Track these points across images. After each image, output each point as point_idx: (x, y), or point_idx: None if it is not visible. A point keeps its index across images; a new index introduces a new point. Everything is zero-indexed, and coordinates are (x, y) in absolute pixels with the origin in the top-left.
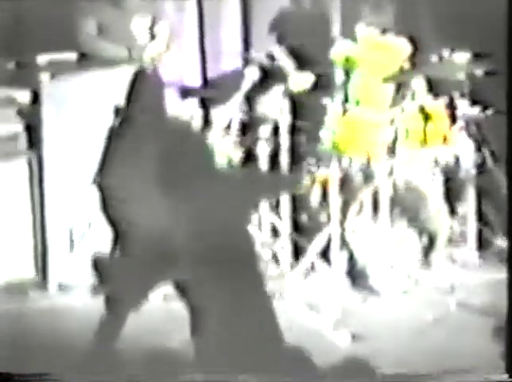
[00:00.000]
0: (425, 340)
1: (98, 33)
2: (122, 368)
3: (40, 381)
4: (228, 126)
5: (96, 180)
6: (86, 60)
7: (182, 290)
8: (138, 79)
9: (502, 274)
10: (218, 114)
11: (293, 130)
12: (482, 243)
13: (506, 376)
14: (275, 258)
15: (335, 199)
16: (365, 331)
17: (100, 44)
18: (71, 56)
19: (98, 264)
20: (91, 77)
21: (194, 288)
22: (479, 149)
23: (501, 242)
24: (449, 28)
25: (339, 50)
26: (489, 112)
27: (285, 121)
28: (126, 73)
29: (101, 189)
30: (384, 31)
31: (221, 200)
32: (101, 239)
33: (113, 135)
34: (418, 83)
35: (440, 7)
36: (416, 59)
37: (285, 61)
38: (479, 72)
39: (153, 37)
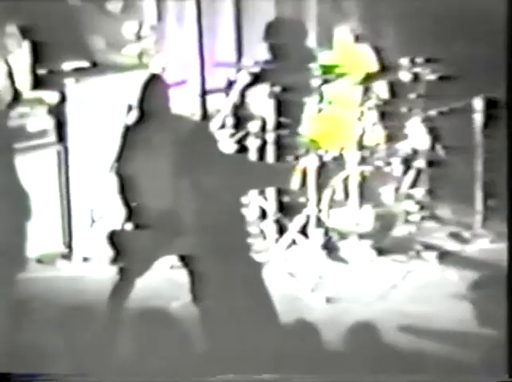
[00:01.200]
0: (386, 302)
1: (111, 45)
2: (129, 325)
3: (40, 381)
4: (223, 123)
5: (114, 167)
6: (102, 67)
7: (186, 261)
8: (149, 82)
9: (456, 247)
10: (214, 112)
11: (278, 125)
12: (436, 221)
13: (505, 376)
14: (262, 234)
15: (313, 184)
16: (337, 294)
17: (111, 54)
18: (91, 64)
19: (114, 239)
20: (108, 81)
21: (196, 259)
22: (433, 142)
23: (450, 220)
24: (408, 40)
25: (320, 59)
26: (443, 111)
27: (270, 118)
28: (136, 77)
29: (118, 175)
30: (356, 39)
31: (219, 185)
32: (117, 218)
33: (128, 130)
34: (382, 86)
35: (400, 23)
36: (380, 66)
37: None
38: (432, 76)
39: (139, 38)
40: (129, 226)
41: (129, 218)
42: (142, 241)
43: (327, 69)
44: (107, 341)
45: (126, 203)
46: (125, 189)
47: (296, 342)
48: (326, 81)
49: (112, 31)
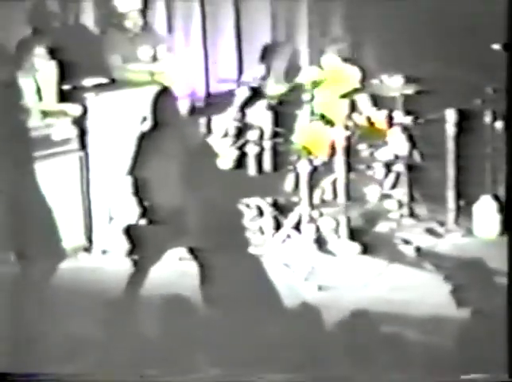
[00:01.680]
0: (369, 291)
1: (126, 63)
2: (143, 310)
3: (39, 381)
4: (226, 133)
5: (130, 171)
6: (119, 82)
7: (193, 253)
8: (159, 96)
9: (431, 241)
10: (217, 123)
11: (275, 134)
12: (414, 218)
13: (505, 376)
14: (260, 229)
15: (305, 186)
16: (327, 283)
17: (127, 71)
18: (109, 80)
19: (129, 233)
20: (124, 95)
21: (202, 251)
22: (410, 149)
23: (426, 218)
24: (387, 58)
25: (307, 75)
26: (419, 121)
27: (267, 128)
28: (149, 91)
29: (133, 178)
30: (344, 60)
31: (221, 188)
32: (132, 215)
33: (142, 138)
34: (366, 100)
35: (382, 44)
36: (364, 82)
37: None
38: (410, 91)
39: (155, 58)
40: (143, 222)
41: (143, 215)
42: (154, 235)
43: (316, 85)
44: (124, 324)
45: (140, 202)
46: (139, 190)
47: (291, 325)
48: (314, 96)
49: (129, 51)
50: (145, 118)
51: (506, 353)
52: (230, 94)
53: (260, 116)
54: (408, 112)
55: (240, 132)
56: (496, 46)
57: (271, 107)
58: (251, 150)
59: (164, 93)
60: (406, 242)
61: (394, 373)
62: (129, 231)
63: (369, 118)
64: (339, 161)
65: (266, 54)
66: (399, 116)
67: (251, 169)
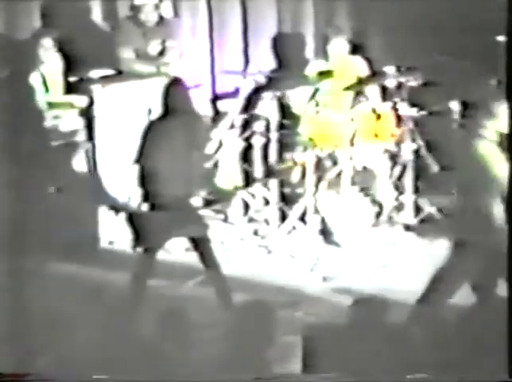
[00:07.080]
0: (376, 281)
1: (136, 56)
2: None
3: (39, 381)
4: (232, 124)
5: (137, 161)
6: (125, 74)
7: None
8: (166, 88)
9: (432, 228)
10: (224, 113)
11: (281, 126)
12: (418, 210)
13: (506, 376)
14: (266, 221)
15: (310, 177)
16: (332, 273)
17: (136, 64)
18: (115, 72)
19: (135, 223)
20: (131, 86)
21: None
22: (415, 140)
23: (430, 209)
24: (392, 51)
25: (312, 67)
26: (423, 113)
27: (273, 119)
28: (155, 83)
29: (140, 168)
30: (352, 51)
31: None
32: (138, 205)
33: (148, 128)
34: (372, 91)
35: (386, 36)
36: (370, 74)
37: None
38: (415, 83)
39: (162, 51)
40: (148, 212)
41: (149, 205)
42: (160, 225)
43: (322, 76)
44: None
45: (146, 191)
46: (145, 180)
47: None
48: (320, 88)
49: (138, 44)
50: (150, 111)
51: (506, 353)
52: (237, 85)
53: (266, 107)
54: (413, 104)
55: (246, 123)
56: (500, 38)
57: (277, 99)
58: (257, 142)
59: (170, 85)
60: (408, 229)
61: (394, 371)
62: (134, 221)
63: (374, 110)
64: (345, 152)
65: (273, 46)
66: (404, 108)
67: (257, 160)
